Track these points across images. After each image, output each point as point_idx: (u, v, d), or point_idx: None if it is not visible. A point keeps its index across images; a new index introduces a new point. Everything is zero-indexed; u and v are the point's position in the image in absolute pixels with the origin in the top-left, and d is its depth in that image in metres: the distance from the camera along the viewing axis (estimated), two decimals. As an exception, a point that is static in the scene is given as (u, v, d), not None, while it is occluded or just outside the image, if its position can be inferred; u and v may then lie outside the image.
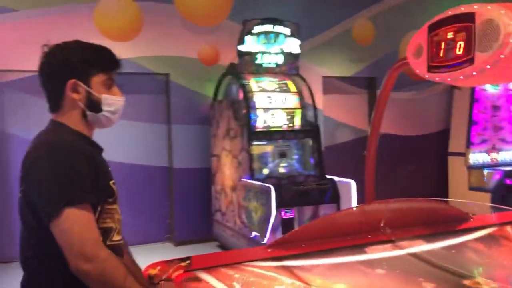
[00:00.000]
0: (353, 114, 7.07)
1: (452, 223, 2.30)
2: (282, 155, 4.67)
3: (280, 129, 4.73)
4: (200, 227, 5.67)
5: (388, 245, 2.03)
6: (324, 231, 2.02)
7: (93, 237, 1.21)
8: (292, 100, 4.86)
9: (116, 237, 1.36)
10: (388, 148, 6.92)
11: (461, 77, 1.47)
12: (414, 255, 1.93)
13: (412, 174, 7.15)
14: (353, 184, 4.30)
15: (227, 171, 5.01)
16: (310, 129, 4.82)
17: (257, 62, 4.90)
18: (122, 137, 5.59)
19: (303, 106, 4.87)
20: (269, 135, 4.64)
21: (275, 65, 4.98)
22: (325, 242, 1.99)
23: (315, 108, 4.86)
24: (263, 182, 4.23)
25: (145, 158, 5.73)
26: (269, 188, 4.01)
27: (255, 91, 4.74)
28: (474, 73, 1.41)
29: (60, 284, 1.24)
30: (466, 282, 1.66)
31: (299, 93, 4.91)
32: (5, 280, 4.47)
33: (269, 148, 4.64)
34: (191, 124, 5.74)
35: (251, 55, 4.87)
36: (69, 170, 1.22)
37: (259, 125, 4.64)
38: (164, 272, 1.69)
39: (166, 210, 5.84)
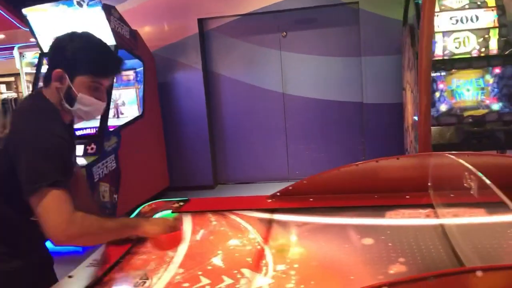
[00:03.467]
0: None
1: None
2: (466, 87, 3.83)
3: (468, 56, 3.86)
4: (392, 165, 5.32)
5: (424, 211, 1.57)
6: (344, 184, 1.71)
7: (69, 210, 1.35)
8: (486, 18, 3.85)
9: None
10: None
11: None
12: (449, 227, 1.44)
13: None
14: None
15: (409, 107, 4.48)
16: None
17: (443, -26, 4.04)
18: (316, 74, 5.64)
19: (503, 24, 3.80)
20: (450, 63, 3.86)
21: (468, -25, 4.00)
22: (342, 198, 1.69)
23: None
24: (438, 121, 3.63)
25: (338, 94, 5.64)
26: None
27: (435, 12, 3.95)
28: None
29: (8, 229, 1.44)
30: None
31: (500, 7, 3.84)
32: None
33: (449, 80, 3.87)
34: (382, 55, 5.28)
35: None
36: (52, 153, 1.36)
37: (438, 52, 3.90)
38: (153, 212, 1.81)
39: (359, 146, 5.69)
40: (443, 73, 3.87)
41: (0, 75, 12.69)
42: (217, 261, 1.39)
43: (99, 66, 1.48)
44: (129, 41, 4.95)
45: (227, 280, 1.26)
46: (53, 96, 1.48)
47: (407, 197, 1.66)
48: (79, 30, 1.53)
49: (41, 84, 1.60)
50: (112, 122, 4.79)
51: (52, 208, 1.33)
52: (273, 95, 5.76)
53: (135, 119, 5.00)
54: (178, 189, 5.63)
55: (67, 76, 1.45)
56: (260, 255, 1.39)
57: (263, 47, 5.70)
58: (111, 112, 5.10)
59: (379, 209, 1.60)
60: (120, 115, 5.20)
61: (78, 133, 4.69)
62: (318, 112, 5.71)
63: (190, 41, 5.68)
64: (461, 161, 1.32)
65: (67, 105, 1.47)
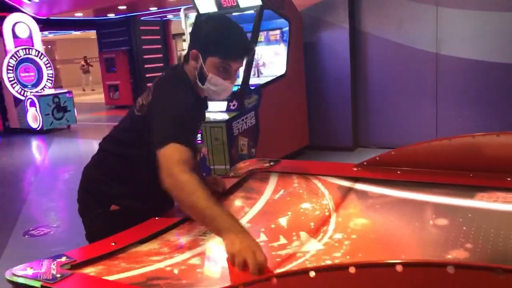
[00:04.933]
0: None
1: None
2: None
3: None
4: None
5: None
6: (435, 159, 1.59)
7: (188, 163, 1.40)
8: None
9: None
10: None
11: None
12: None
13: None
14: None
15: None
16: None
17: None
18: (477, 31, 5.03)
19: None
20: None
21: None
22: (432, 173, 1.58)
23: None
24: None
25: (503, 55, 4.94)
26: None
27: None
28: None
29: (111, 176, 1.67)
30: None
31: None
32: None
33: None
34: None
35: None
36: (182, 119, 1.50)
37: None
38: (243, 169, 1.93)
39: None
40: None
41: (177, 34, 14.24)
42: (283, 221, 1.46)
43: (227, 49, 1.56)
44: (276, 0, 5.06)
45: (282, 240, 1.32)
46: (190, 73, 1.64)
47: (508, 179, 1.46)
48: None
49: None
50: (253, 81, 5.03)
51: (174, 157, 1.40)
52: (425, 56, 5.32)
53: (278, 78, 5.16)
54: (317, 149, 5.72)
55: (200, 57, 1.58)
56: (324, 221, 1.42)
57: (416, 2, 5.26)
58: (252, 71, 5.35)
59: (470, 189, 1.45)
60: (260, 74, 5.42)
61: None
62: (477, 75, 5.11)
63: (338, -1, 5.55)
64: None
65: (199, 83, 1.62)
